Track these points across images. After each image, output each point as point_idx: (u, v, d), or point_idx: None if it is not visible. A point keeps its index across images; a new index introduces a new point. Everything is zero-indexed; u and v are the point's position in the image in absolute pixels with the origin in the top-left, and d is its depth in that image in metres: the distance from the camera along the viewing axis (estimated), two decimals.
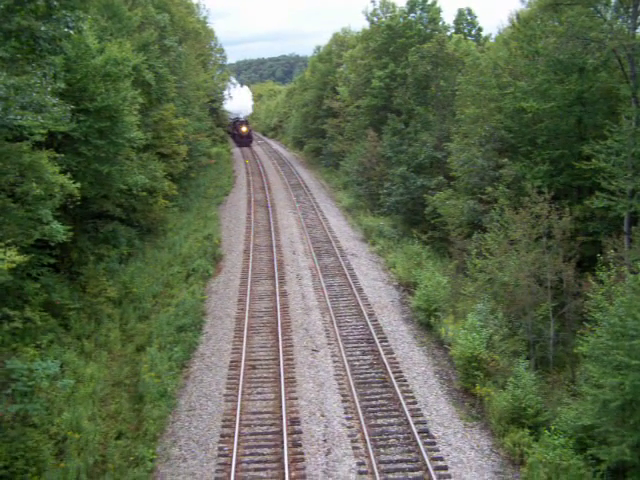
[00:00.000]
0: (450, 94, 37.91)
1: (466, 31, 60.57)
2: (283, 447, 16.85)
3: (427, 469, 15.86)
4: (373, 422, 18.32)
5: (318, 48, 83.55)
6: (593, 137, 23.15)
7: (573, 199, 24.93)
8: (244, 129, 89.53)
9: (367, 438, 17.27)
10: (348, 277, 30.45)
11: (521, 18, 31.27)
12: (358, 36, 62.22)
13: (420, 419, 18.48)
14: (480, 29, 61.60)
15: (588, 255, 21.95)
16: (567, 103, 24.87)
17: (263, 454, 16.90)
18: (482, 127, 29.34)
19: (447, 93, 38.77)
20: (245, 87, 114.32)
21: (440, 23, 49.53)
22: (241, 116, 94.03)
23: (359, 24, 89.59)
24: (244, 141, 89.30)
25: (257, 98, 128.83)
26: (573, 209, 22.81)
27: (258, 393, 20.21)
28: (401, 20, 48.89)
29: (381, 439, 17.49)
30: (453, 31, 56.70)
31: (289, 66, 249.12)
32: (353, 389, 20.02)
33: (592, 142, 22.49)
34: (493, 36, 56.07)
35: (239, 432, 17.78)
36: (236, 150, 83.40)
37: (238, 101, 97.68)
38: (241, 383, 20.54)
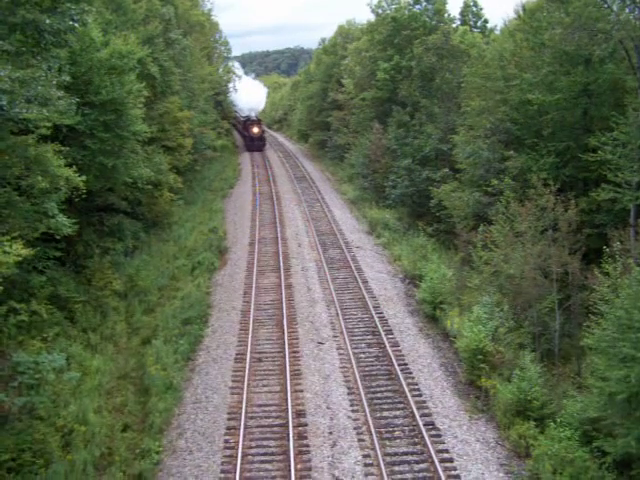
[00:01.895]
0: (455, 86, 37.77)
1: (472, 23, 60.15)
2: (289, 439, 16.89)
3: (433, 461, 15.88)
4: (379, 414, 18.33)
5: (323, 40, 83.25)
6: (599, 129, 23.04)
7: (579, 191, 24.82)
8: (256, 130, 73.68)
9: (373, 430, 17.28)
10: (353, 270, 30.43)
11: (527, 9, 31.10)
12: (363, 28, 62.06)
13: (425, 411, 18.48)
14: (486, 21, 61.15)
15: (594, 247, 21.86)
16: (573, 95, 24.76)
17: (269, 446, 16.94)
18: (487, 119, 29.22)
19: (452, 85, 38.61)
20: (251, 76, 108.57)
21: (445, 15, 49.37)
22: (252, 115, 77.89)
23: (364, 16, 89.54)
24: (255, 144, 73.27)
25: None
26: (579, 201, 22.72)
27: (264, 385, 20.24)
28: (406, 12, 48.75)
29: (387, 431, 17.50)
30: (459, 23, 56.38)
31: (294, 59, 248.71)
32: (359, 381, 20.03)
33: (598, 134, 22.37)
34: (499, 28, 55.79)
35: (245, 424, 17.81)
36: (245, 155, 71.53)
37: (248, 97, 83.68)
38: (247, 376, 20.55)
